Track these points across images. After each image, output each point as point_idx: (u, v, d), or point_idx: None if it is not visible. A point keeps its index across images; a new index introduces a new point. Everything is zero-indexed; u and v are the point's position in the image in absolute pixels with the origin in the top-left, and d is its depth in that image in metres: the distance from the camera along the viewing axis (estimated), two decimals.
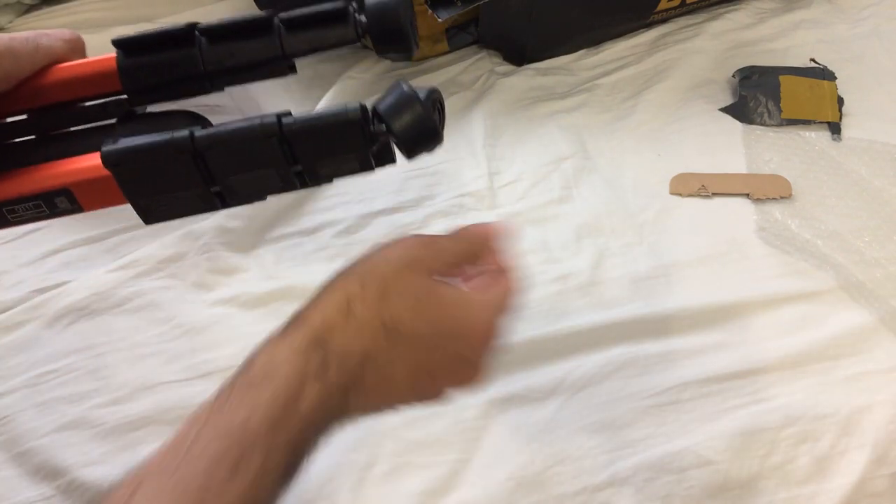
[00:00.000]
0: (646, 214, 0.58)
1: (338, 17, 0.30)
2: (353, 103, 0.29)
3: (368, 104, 0.30)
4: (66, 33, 0.33)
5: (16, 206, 0.30)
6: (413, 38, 0.31)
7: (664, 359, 0.49)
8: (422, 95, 0.29)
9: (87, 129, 0.32)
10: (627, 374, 0.48)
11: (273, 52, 0.30)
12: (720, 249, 0.56)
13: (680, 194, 0.60)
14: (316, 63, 0.72)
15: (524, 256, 0.55)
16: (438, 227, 0.58)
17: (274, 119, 0.28)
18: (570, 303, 0.53)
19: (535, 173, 0.61)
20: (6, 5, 0.72)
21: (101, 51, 0.80)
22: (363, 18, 0.30)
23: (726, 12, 0.76)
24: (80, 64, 0.32)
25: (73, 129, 0.32)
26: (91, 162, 0.29)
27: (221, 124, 0.29)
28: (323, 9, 0.30)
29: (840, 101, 0.66)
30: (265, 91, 0.69)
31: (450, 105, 0.67)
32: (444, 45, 0.71)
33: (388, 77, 0.71)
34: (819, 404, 0.46)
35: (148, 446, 0.46)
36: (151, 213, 0.30)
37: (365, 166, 0.30)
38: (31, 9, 0.74)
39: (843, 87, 0.68)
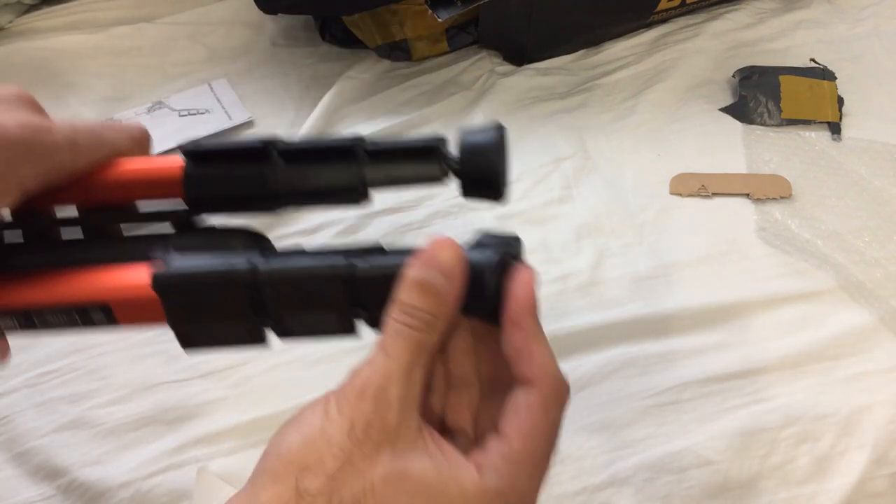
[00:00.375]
0: (646, 214, 0.58)
1: (428, 153, 0.28)
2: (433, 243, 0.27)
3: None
4: (133, 128, 0.30)
5: (47, 316, 0.28)
6: (505, 183, 0.28)
7: (664, 359, 0.49)
8: (495, 259, 0.27)
9: (136, 236, 0.30)
10: (627, 374, 0.48)
11: (352, 180, 0.28)
12: (720, 249, 0.56)
13: (680, 194, 0.60)
14: (315, 63, 0.72)
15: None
16: (438, 228, 0.58)
17: (344, 261, 0.26)
18: (570, 303, 0.53)
19: (535, 173, 0.61)
20: (6, 5, 0.72)
21: (100, 51, 0.79)
22: (454, 156, 0.28)
23: (726, 12, 0.76)
24: (143, 164, 0.29)
25: (122, 232, 0.30)
26: (137, 278, 0.27)
27: (284, 255, 0.27)
28: (414, 143, 0.28)
29: (840, 101, 0.66)
30: (264, 90, 0.70)
31: (450, 105, 0.67)
32: (444, 45, 0.71)
33: (388, 77, 0.71)
34: (819, 404, 0.46)
35: (148, 446, 0.46)
36: (192, 340, 0.28)
37: None
38: (31, 9, 0.74)
39: (843, 87, 0.68)
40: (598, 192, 0.60)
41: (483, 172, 0.27)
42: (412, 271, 0.25)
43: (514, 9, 0.66)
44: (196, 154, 0.28)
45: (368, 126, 0.65)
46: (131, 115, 0.66)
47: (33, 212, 0.29)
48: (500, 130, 0.27)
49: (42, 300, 0.27)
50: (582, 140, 0.64)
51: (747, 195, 0.60)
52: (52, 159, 0.27)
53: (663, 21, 0.75)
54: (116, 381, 0.49)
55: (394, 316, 0.25)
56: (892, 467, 0.44)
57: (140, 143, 0.30)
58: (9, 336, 0.29)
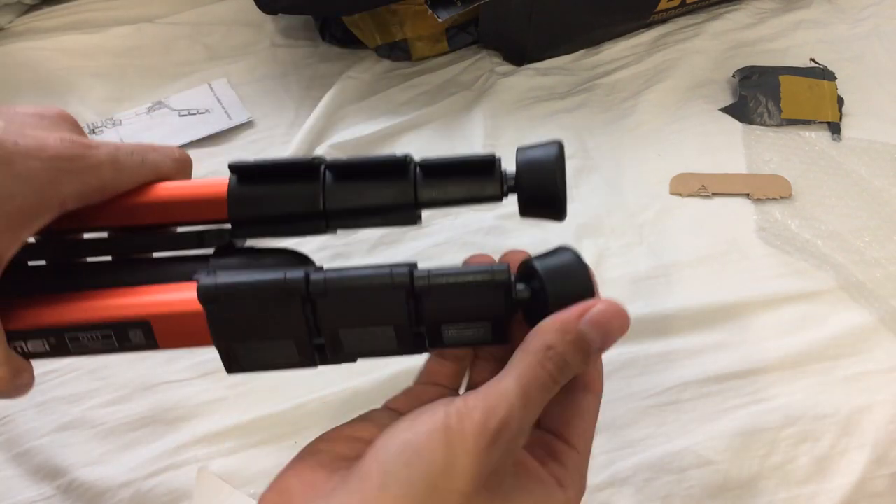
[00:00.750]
0: (646, 214, 0.58)
1: (484, 169, 0.26)
2: (500, 265, 0.26)
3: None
4: (175, 151, 0.30)
5: (81, 334, 0.26)
6: (565, 200, 0.26)
7: (664, 359, 0.49)
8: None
9: (176, 256, 0.28)
10: (628, 374, 0.48)
11: (404, 198, 0.26)
12: (720, 249, 0.56)
13: (680, 194, 0.60)
14: (315, 63, 0.72)
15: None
16: (438, 227, 0.58)
17: (406, 270, 0.25)
18: None
19: None
20: (6, 5, 0.72)
21: (100, 51, 0.79)
22: (511, 173, 0.27)
23: (726, 12, 0.76)
24: (185, 185, 0.28)
25: (159, 255, 0.28)
26: (180, 293, 0.26)
27: (341, 269, 0.25)
28: (468, 158, 0.27)
29: (840, 101, 0.66)
30: (264, 90, 0.70)
31: (450, 105, 0.67)
32: (444, 45, 0.71)
33: (388, 77, 0.71)
34: (819, 404, 0.46)
35: (148, 446, 0.46)
36: (237, 361, 0.26)
37: (498, 337, 0.26)
38: (31, 9, 0.74)
39: (843, 87, 0.68)
40: (598, 192, 0.60)
41: (543, 189, 0.26)
42: (581, 327, 0.24)
43: (514, 9, 0.66)
44: (243, 169, 0.27)
45: (368, 126, 0.65)
46: (131, 115, 0.66)
47: (62, 234, 0.28)
48: (558, 146, 0.27)
49: (76, 318, 0.26)
50: (582, 140, 0.64)
51: (747, 195, 0.60)
52: (93, 176, 0.26)
53: (663, 21, 0.75)
54: (116, 381, 0.49)
55: (544, 363, 0.24)
56: (893, 467, 0.44)
57: (182, 166, 0.30)
58: (37, 362, 0.27)
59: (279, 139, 0.65)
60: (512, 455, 0.24)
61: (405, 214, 0.27)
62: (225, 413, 0.47)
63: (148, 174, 0.28)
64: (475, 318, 0.26)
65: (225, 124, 0.66)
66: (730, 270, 0.54)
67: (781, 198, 0.59)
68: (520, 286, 0.26)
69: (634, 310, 0.51)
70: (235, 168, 0.27)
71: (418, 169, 0.27)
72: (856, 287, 0.53)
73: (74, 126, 0.28)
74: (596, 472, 0.44)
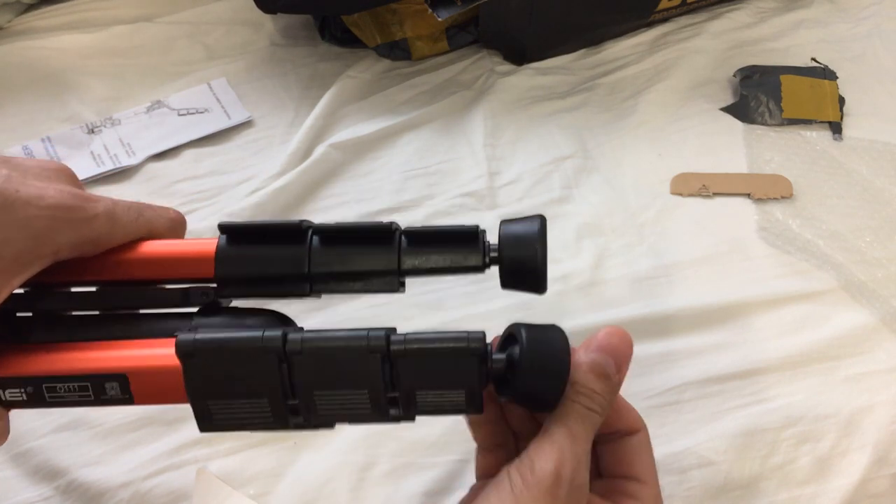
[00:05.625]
0: (646, 214, 0.58)
1: (467, 240, 0.27)
2: (475, 332, 0.26)
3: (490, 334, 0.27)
4: (171, 212, 0.31)
5: (58, 385, 0.26)
6: (546, 274, 0.27)
7: (665, 359, 0.49)
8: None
9: (160, 313, 0.29)
10: (628, 374, 0.48)
11: (388, 264, 0.27)
12: (721, 249, 0.56)
13: (681, 194, 0.60)
14: (315, 62, 0.72)
15: None
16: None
17: (382, 334, 0.25)
18: (570, 303, 0.53)
19: (536, 173, 0.61)
20: (5, 4, 0.72)
21: (100, 50, 0.79)
22: (494, 245, 0.27)
23: (727, 12, 0.76)
24: (175, 243, 0.29)
25: (142, 311, 0.29)
26: (159, 349, 0.26)
27: (320, 330, 0.26)
28: (452, 229, 0.27)
29: (841, 100, 0.66)
30: (263, 90, 0.69)
31: (450, 104, 0.67)
32: (444, 45, 0.71)
33: (388, 77, 0.70)
34: (820, 405, 0.46)
35: (147, 447, 0.45)
36: (209, 420, 0.26)
37: (473, 406, 0.26)
38: (30, 8, 0.74)
39: (845, 86, 0.68)
40: (598, 192, 0.60)
41: (524, 264, 0.27)
42: (591, 356, 0.27)
43: (514, 8, 0.66)
44: (232, 230, 0.28)
45: (368, 125, 0.65)
46: (130, 115, 0.66)
47: (51, 287, 0.28)
48: (541, 221, 0.27)
49: (55, 368, 0.26)
50: (582, 140, 0.64)
51: (748, 195, 0.59)
52: (89, 227, 0.27)
53: (664, 20, 0.75)
54: None
55: (575, 398, 0.26)
56: (894, 468, 0.44)
57: (175, 226, 0.30)
58: (13, 411, 0.27)
59: (278, 139, 0.65)
60: (583, 492, 0.26)
61: (388, 281, 0.28)
62: None
63: (142, 230, 0.29)
64: (450, 386, 0.26)
65: (224, 124, 0.66)
66: (731, 270, 0.54)
67: (782, 198, 0.59)
68: (497, 356, 0.27)
69: (635, 310, 0.51)
70: (225, 228, 0.28)
71: (403, 237, 0.28)
72: (857, 287, 0.53)
73: (74, 179, 0.29)
74: None
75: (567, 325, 0.50)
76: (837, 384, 0.47)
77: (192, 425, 0.46)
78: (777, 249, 0.55)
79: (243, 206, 0.57)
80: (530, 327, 0.27)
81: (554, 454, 0.25)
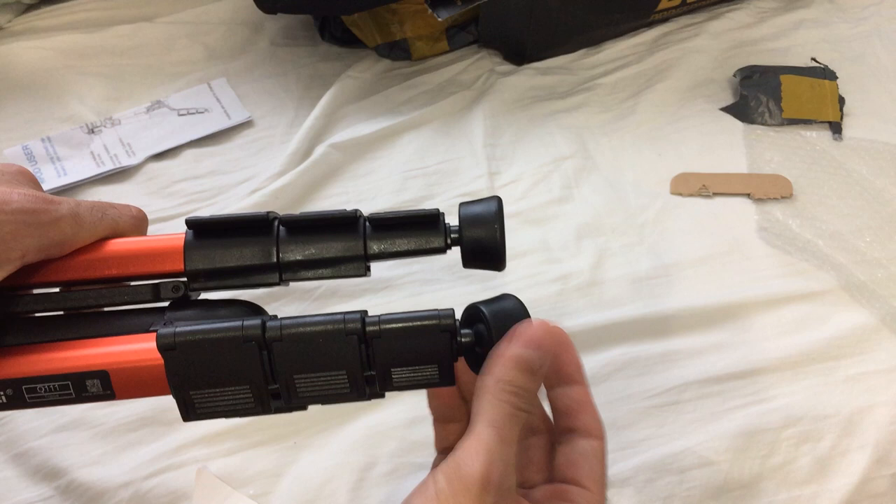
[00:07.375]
0: (646, 214, 0.58)
1: (429, 223, 0.28)
2: (445, 310, 0.27)
3: (459, 310, 0.28)
4: (133, 209, 0.31)
5: (38, 385, 0.27)
6: (504, 252, 0.28)
7: (665, 359, 0.49)
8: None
9: (129, 309, 0.29)
10: (628, 374, 0.48)
11: (354, 251, 0.28)
12: (721, 249, 0.56)
13: (681, 194, 0.60)
14: (315, 62, 0.72)
15: (524, 257, 0.55)
16: None
17: (358, 316, 0.26)
18: (570, 303, 0.53)
19: (536, 173, 0.61)
20: (5, 4, 0.72)
21: (100, 50, 0.79)
22: (454, 227, 0.28)
23: (727, 11, 0.76)
24: (142, 239, 0.29)
25: (112, 308, 0.29)
26: (137, 344, 0.27)
27: (295, 317, 0.27)
28: (414, 213, 0.28)
29: (841, 100, 0.66)
30: (263, 90, 0.69)
31: (450, 104, 0.67)
32: (445, 45, 0.71)
33: (388, 77, 0.70)
34: (820, 405, 0.46)
35: (147, 447, 0.45)
36: (193, 410, 0.27)
37: (445, 379, 0.27)
38: (30, 8, 0.74)
39: (845, 86, 0.68)
40: (598, 192, 0.60)
41: (484, 242, 0.28)
42: (516, 350, 0.26)
43: (514, 8, 0.66)
44: (199, 224, 0.28)
45: (368, 125, 0.65)
46: (130, 115, 0.66)
47: (17, 289, 0.29)
48: (497, 202, 0.28)
49: (34, 370, 0.27)
50: (582, 140, 0.64)
51: (748, 195, 0.59)
52: (55, 230, 0.27)
53: (664, 20, 0.75)
54: None
55: (501, 396, 0.25)
56: (894, 468, 0.44)
57: (138, 224, 0.31)
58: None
59: (278, 139, 0.65)
60: (511, 496, 0.25)
61: (355, 266, 0.29)
62: None
63: (107, 230, 0.29)
64: (423, 361, 0.27)
65: (224, 124, 0.66)
66: (731, 270, 0.54)
67: (782, 198, 0.59)
68: (464, 331, 0.28)
69: (635, 310, 0.51)
70: (192, 223, 0.28)
71: (367, 223, 0.29)
72: (857, 287, 0.53)
73: (34, 182, 0.29)
74: None
75: (567, 325, 0.50)
76: (837, 384, 0.48)
77: (193, 425, 0.46)
78: (777, 249, 0.55)
79: (243, 205, 0.57)
80: (488, 302, 0.28)
81: (482, 456, 0.24)
